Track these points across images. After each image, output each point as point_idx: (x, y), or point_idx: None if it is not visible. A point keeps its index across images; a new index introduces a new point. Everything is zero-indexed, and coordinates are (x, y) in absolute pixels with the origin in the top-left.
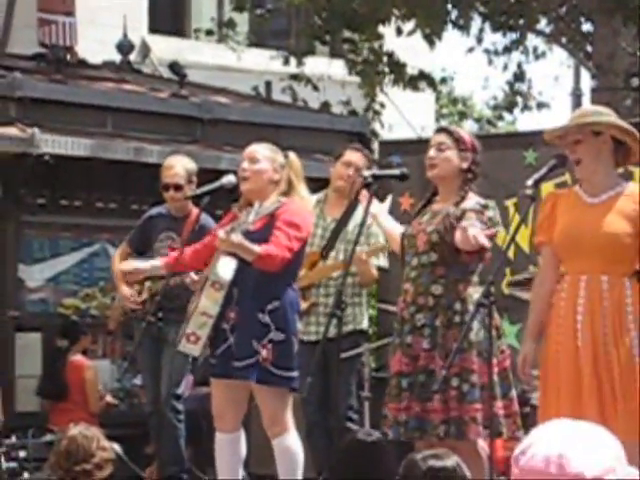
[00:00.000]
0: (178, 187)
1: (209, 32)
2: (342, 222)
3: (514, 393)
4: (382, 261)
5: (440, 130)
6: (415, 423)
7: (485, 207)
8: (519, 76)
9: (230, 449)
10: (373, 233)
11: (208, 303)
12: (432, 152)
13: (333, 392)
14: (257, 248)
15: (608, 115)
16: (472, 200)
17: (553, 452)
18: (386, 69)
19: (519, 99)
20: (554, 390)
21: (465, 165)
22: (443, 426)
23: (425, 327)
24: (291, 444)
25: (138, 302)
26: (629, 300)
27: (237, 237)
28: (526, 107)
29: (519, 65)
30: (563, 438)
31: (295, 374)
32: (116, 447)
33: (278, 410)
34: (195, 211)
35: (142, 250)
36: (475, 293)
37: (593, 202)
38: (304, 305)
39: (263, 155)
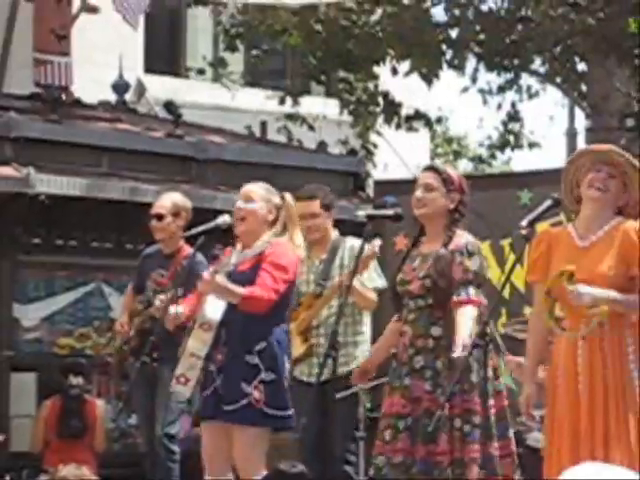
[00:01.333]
0: (160, 217)
1: (200, 71)
2: (329, 260)
3: (511, 433)
4: (380, 282)
5: (428, 169)
6: (422, 466)
7: (471, 254)
8: (513, 115)
9: None
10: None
11: (197, 344)
12: (419, 192)
13: (329, 435)
14: (241, 290)
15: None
16: (462, 239)
17: None
18: (377, 109)
19: (511, 138)
20: (557, 431)
21: (452, 205)
22: (449, 468)
23: (425, 369)
24: None
25: (126, 332)
26: (630, 340)
27: (221, 279)
28: (518, 146)
29: (513, 105)
30: None
31: (290, 412)
32: None
33: (256, 451)
34: (187, 248)
35: (140, 289)
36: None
37: (584, 245)
38: (302, 347)
39: (258, 195)
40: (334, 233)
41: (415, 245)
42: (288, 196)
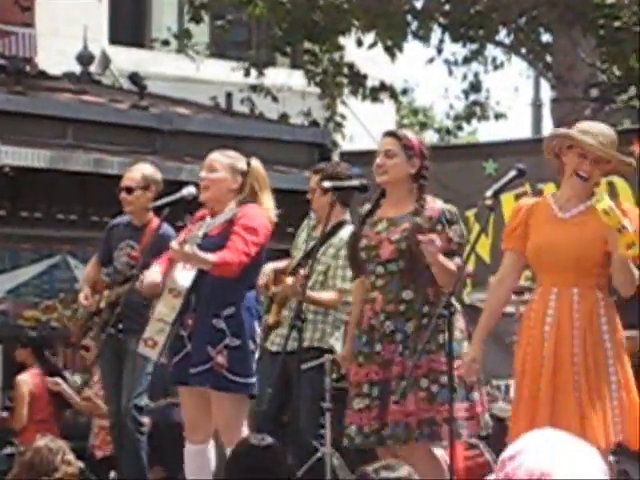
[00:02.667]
0: (129, 190)
1: (165, 42)
2: (319, 243)
3: (476, 396)
4: (348, 284)
5: (388, 134)
6: (392, 429)
7: (451, 222)
8: (475, 86)
9: (200, 461)
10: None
11: (165, 310)
12: (380, 159)
13: (293, 406)
14: (211, 257)
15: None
16: (436, 207)
17: (538, 467)
18: (345, 80)
19: (477, 109)
20: (524, 399)
21: (413, 170)
22: (417, 429)
23: (396, 332)
24: None
25: (91, 304)
26: (602, 311)
27: (190, 248)
28: (484, 117)
29: (475, 75)
30: (551, 454)
31: (252, 380)
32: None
33: (234, 417)
34: (156, 220)
35: (107, 260)
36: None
37: (564, 217)
38: (275, 316)
39: (221, 164)
40: (342, 214)
41: (373, 211)
42: (254, 161)
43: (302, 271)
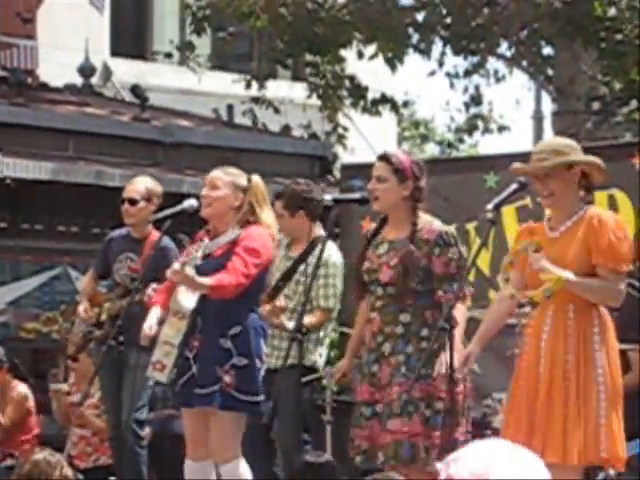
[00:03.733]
0: (132, 201)
1: (168, 55)
2: (297, 263)
3: (470, 417)
4: (331, 302)
5: (380, 158)
6: (407, 451)
7: (448, 244)
8: (476, 99)
9: (200, 477)
10: (330, 274)
11: (171, 332)
12: (372, 184)
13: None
14: (207, 281)
15: (576, 150)
16: (434, 229)
17: (481, 469)
18: (345, 93)
19: (479, 122)
20: (515, 414)
21: (407, 193)
22: (393, 448)
23: (396, 354)
24: (242, 472)
25: (91, 317)
26: (596, 329)
27: (189, 271)
28: (487, 130)
29: (476, 88)
30: (495, 458)
31: (260, 399)
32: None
33: (231, 435)
34: (155, 233)
35: (105, 273)
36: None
37: (554, 236)
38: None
39: (223, 182)
40: (317, 230)
41: (378, 232)
42: (255, 177)
43: (278, 302)
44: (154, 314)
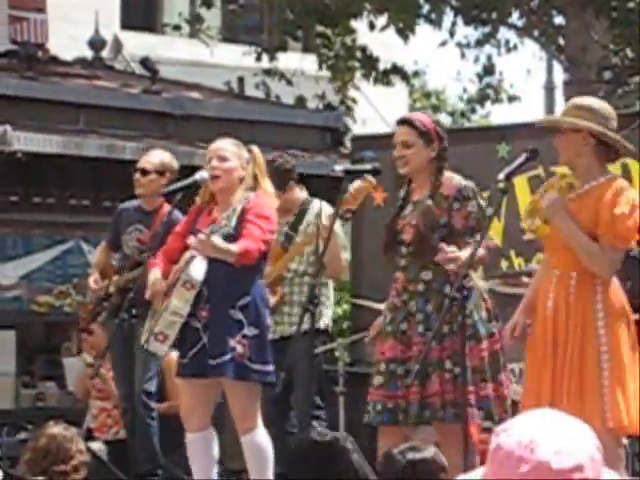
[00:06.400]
0: (144, 172)
1: (176, 27)
2: (298, 219)
3: (503, 377)
4: (346, 254)
5: (402, 122)
6: (415, 409)
7: (467, 198)
8: (488, 69)
9: (201, 448)
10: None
11: (179, 303)
12: (398, 151)
13: (294, 391)
14: (234, 247)
15: (600, 116)
16: (453, 184)
17: (527, 435)
18: (356, 64)
19: (491, 92)
20: (531, 380)
21: (433, 154)
22: (441, 410)
23: (418, 313)
24: (262, 441)
25: (101, 288)
26: (598, 297)
27: (217, 239)
28: (497, 100)
29: (489, 58)
30: (542, 425)
31: (271, 368)
32: (101, 447)
33: (250, 405)
34: (166, 206)
35: (117, 245)
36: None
37: (572, 197)
38: (272, 300)
39: (231, 152)
40: (302, 194)
41: (407, 196)
42: (255, 148)
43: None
44: (156, 273)
